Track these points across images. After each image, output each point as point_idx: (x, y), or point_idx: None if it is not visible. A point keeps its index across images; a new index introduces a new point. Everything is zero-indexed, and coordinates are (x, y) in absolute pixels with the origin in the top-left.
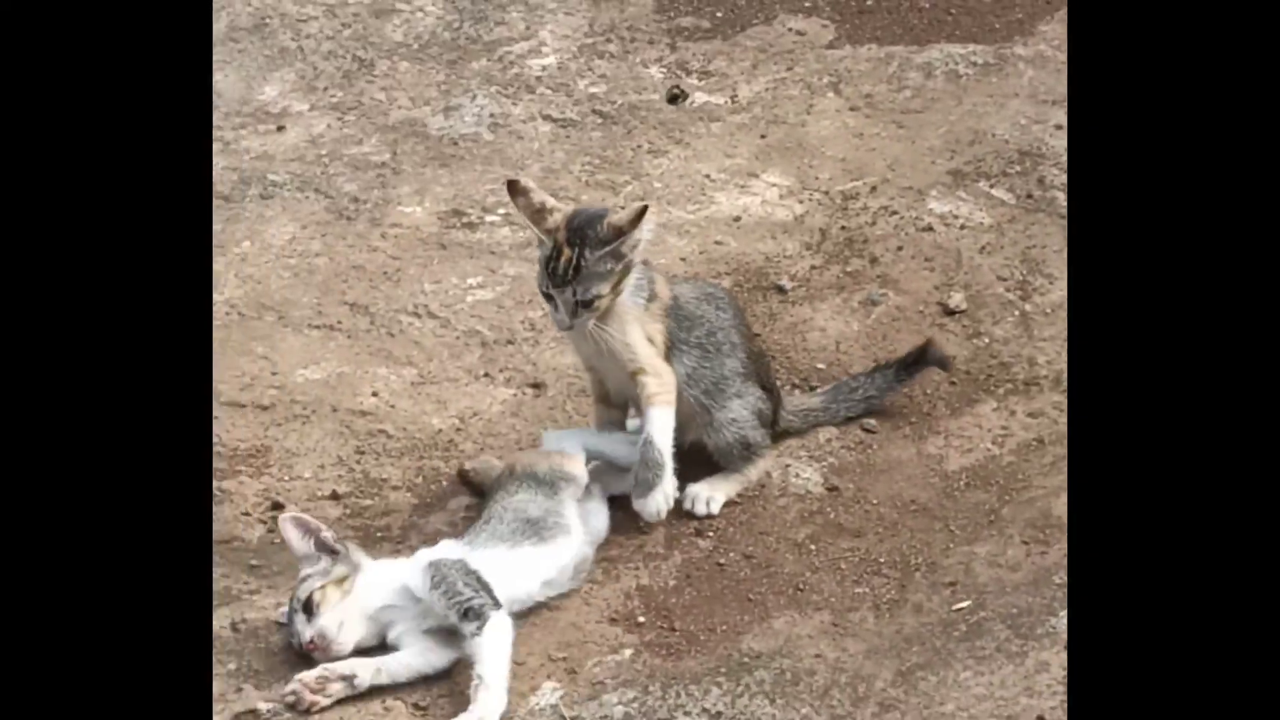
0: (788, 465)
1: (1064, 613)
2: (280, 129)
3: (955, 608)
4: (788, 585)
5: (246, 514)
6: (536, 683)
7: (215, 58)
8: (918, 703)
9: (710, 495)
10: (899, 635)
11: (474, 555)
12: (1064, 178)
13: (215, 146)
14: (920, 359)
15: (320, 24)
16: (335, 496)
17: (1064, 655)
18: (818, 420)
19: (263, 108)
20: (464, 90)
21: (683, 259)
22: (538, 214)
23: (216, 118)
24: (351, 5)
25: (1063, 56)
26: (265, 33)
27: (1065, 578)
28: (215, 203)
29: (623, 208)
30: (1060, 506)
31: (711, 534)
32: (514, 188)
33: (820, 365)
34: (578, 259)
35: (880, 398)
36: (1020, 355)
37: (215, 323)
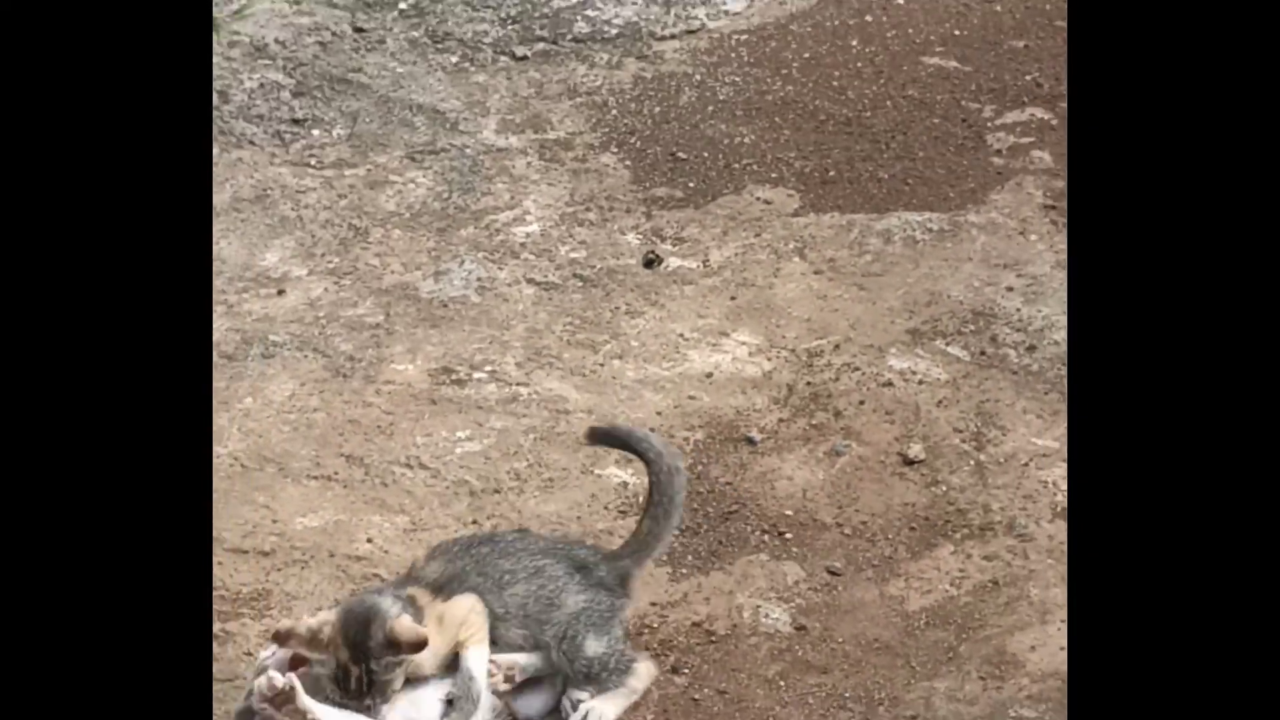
0: (758, 606)
1: None
2: (280, 292)
3: None
4: (759, 719)
5: (249, 654)
6: None
7: (219, 226)
8: None
9: (601, 712)
10: None
11: None
12: (1015, 336)
13: (219, 309)
14: None
15: (318, 195)
16: None
17: None
18: None
19: (264, 273)
20: (453, 256)
21: (658, 413)
22: (313, 642)
23: (220, 282)
24: (348, 177)
25: (1013, 224)
26: (266, 203)
27: (1020, 711)
28: (219, 361)
29: (402, 612)
30: (1015, 644)
31: (686, 671)
32: (279, 637)
33: (788, 512)
34: (367, 674)
35: None
36: (975, 502)
37: (219, 474)
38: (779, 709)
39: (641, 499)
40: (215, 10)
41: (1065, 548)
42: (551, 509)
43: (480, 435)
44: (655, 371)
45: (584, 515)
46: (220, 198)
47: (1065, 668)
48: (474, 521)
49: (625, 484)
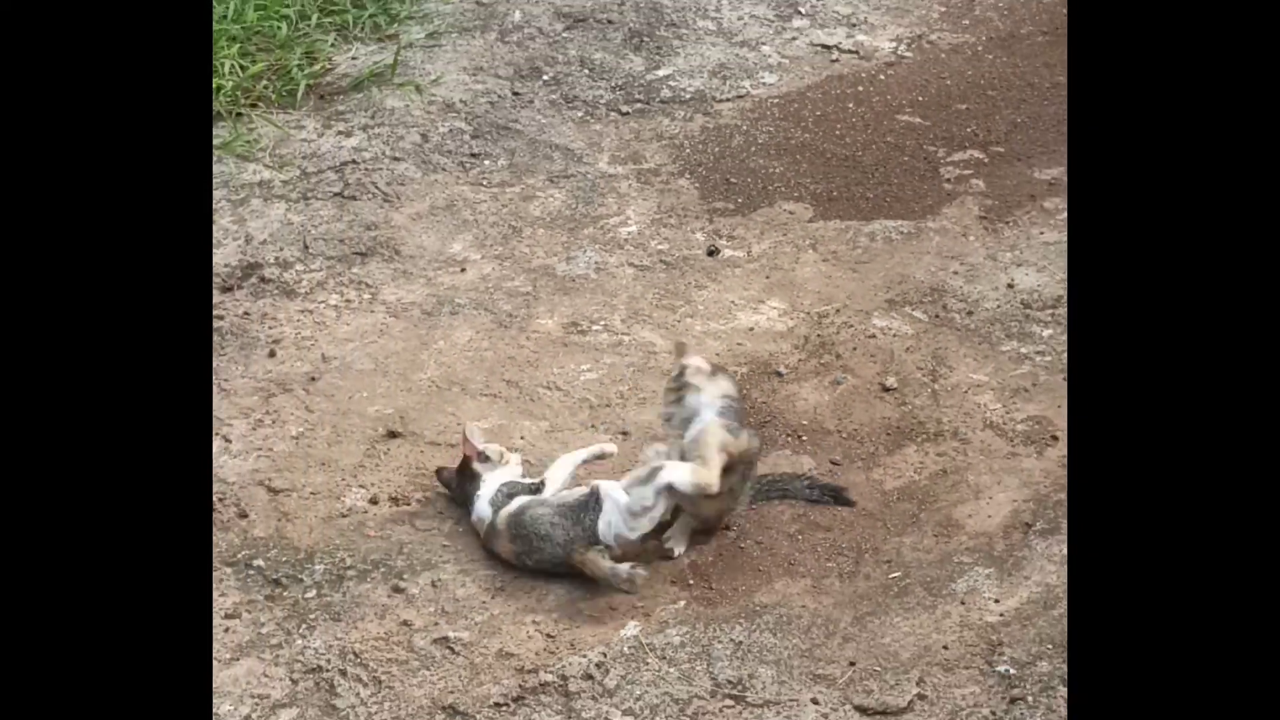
0: None
1: (962, 579)
2: (463, 270)
3: (890, 576)
4: (783, 561)
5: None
6: (622, 622)
7: (422, 226)
8: (867, 636)
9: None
10: (855, 594)
11: None
12: (959, 304)
13: (420, 281)
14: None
15: (487, 205)
16: None
17: (961, 607)
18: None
19: (452, 257)
20: (578, 247)
21: (716, 355)
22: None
23: (422, 263)
24: (508, 193)
25: (958, 229)
26: (453, 210)
27: (960, 558)
28: (421, 316)
29: None
30: (957, 513)
31: (734, 529)
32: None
33: (804, 422)
34: None
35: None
36: (931, 417)
37: (422, 391)
38: (796, 554)
39: None
40: (419, 78)
41: (992, 448)
42: (645, 418)
43: (597, 368)
44: (715, 326)
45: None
46: (420, 206)
47: (993, 528)
48: (592, 426)
49: None
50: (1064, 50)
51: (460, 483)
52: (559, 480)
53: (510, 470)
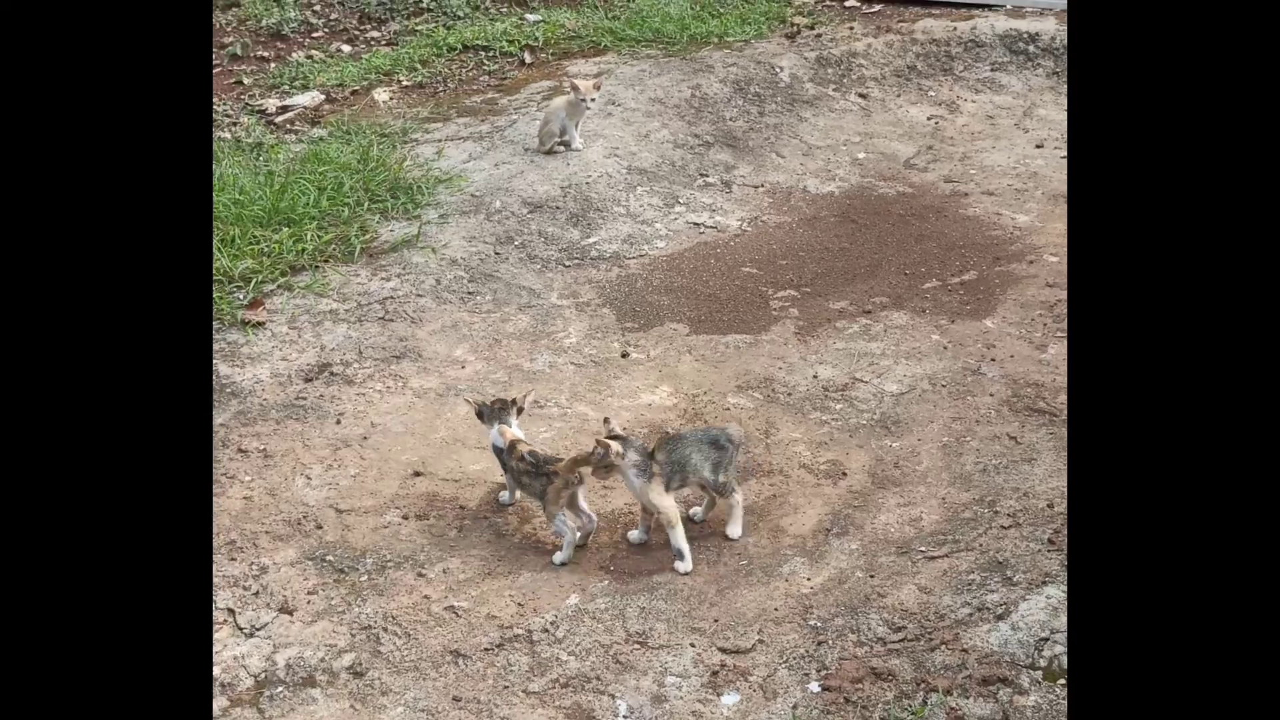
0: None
1: (786, 565)
2: (463, 367)
3: (740, 563)
4: (671, 554)
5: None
6: (568, 594)
7: (436, 338)
8: (725, 603)
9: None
10: (717, 575)
11: None
12: (782, 388)
13: (433, 376)
14: None
15: (478, 325)
16: None
17: (785, 584)
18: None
19: (455, 359)
20: (538, 352)
21: (624, 425)
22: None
23: (435, 363)
24: (491, 317)
25: (780, 340)
26: (456, 328)
27: (785, 553)
28: (436, 397)
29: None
30: (783, 523)
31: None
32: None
33: None
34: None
35: None
36: (765, 460)
37: (437, 445)
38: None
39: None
40: (434, 243)
41: (804, 480)
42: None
43: (550, 430)
44: (626, 403)
45: None
46: (435, 325)
47: (806, 532)
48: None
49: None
50: (848, 227)
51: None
52: None
53: None
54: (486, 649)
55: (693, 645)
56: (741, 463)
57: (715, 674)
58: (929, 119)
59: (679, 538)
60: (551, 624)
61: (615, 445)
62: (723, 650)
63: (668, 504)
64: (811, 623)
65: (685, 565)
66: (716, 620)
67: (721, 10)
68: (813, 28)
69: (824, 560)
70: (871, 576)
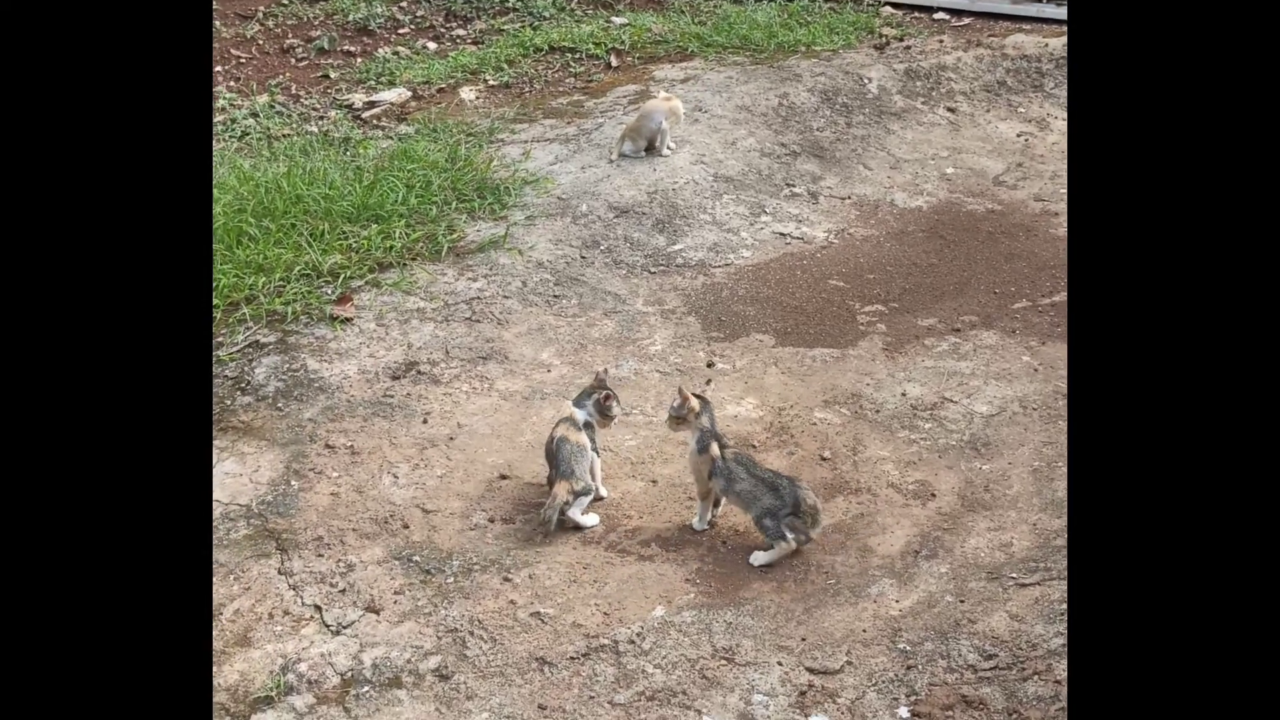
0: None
1: (874, 586)
2: (549, 371)
3: (828, 582)
4: (759, 570)
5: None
6: (654, 606)
7: (522, 341)
8: (813, 621)
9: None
10: (805, 593)
11: None
12: (870, 405)
13: (519, 379)
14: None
15: (564, 330)
16: None
17: (874, 604)
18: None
19: (541, 362)
20: (624, 358)
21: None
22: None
23: (521, 366)
24: (577, 322)
25: (868, 355)
26: (543, 331)
27: (873, 573)
28: (522, 400)
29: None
30: (871, 542)
31: (726, 547)
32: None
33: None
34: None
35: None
36: (853, 478)
37: (522, 448)
38: (768, 567)
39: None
40: (521, 245)
41: (893, 500)
42: (668, 472)
43: (636, 438)
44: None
45: (679, 478)
46: (521, 328)
47: (894, 553)
48: (632, 477)
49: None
50: (936, 242)
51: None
52: None
53: None
54: (572, 657)
55: (780, 664)
56: (827, 479)
57: (803, 694)
58: (1019, 135)
59: (701, 507)
60: (638, 635)
61: (694, 402)
62: (810, 670)
63: (703, 480)
64: (901, 646)
65: (696, 523)
66: (804, 639)
67: (809, 19)
68: (901, 39)
69: (913, 582)
70: (962, 601)
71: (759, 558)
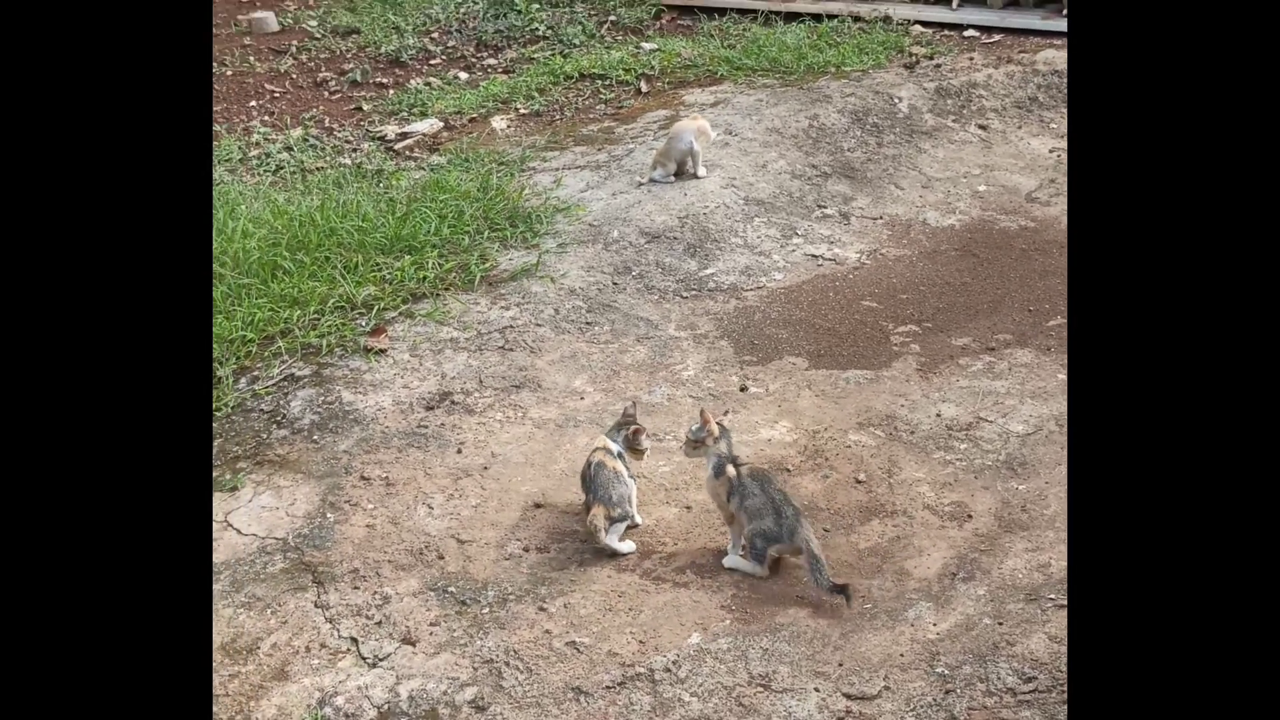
0: None
1: (911, 610)
2: (582, 398)
3: (864, 606)
4: (795, 595)
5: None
6: (689, 633)
7: (555, 368)
8: (849, 646)
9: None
10: (841, 618)
11: None
12: (904, 426)
13: (552, 407)
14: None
15: (597, 356)
16: None
17: (911, 628)
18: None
19: (574, 390)
20: (656, 384)
21: (746, 458)
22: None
23: (555, 394)
24: (609, 348)
25: (902, 377)
26: (575, 359)
27: (910, 597)
28: (555, 428)
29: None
30: (908, 565)
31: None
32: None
33: (805, 503)
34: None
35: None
36: (889, 501)
37: (556, 477)
38: (804, 591)
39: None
40: (553, 273)
41: (929, 522)
42: (702, 498)
43: (670, 464)
44: (745, 438)
45: (712, 503)
46: (554, 356)
47: (931, 576)
48: (666, 503)
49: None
50: (969, 261)
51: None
52: None
53: None
54: (608, 687)
55: (817, 690)
56: (862, 502)
57: None
58: (1051, 152)
59: (733, 534)
60: (673, 663)
61: (714, 425)
62: (848, 696)
63: (724, 504)
64: (939, 670)
65: (729, 558)
66: (841, 664)
67: (838, 40)
68: (931, 58)
69: (950, 605)
70: (1000, 624)
71: (732, 561)
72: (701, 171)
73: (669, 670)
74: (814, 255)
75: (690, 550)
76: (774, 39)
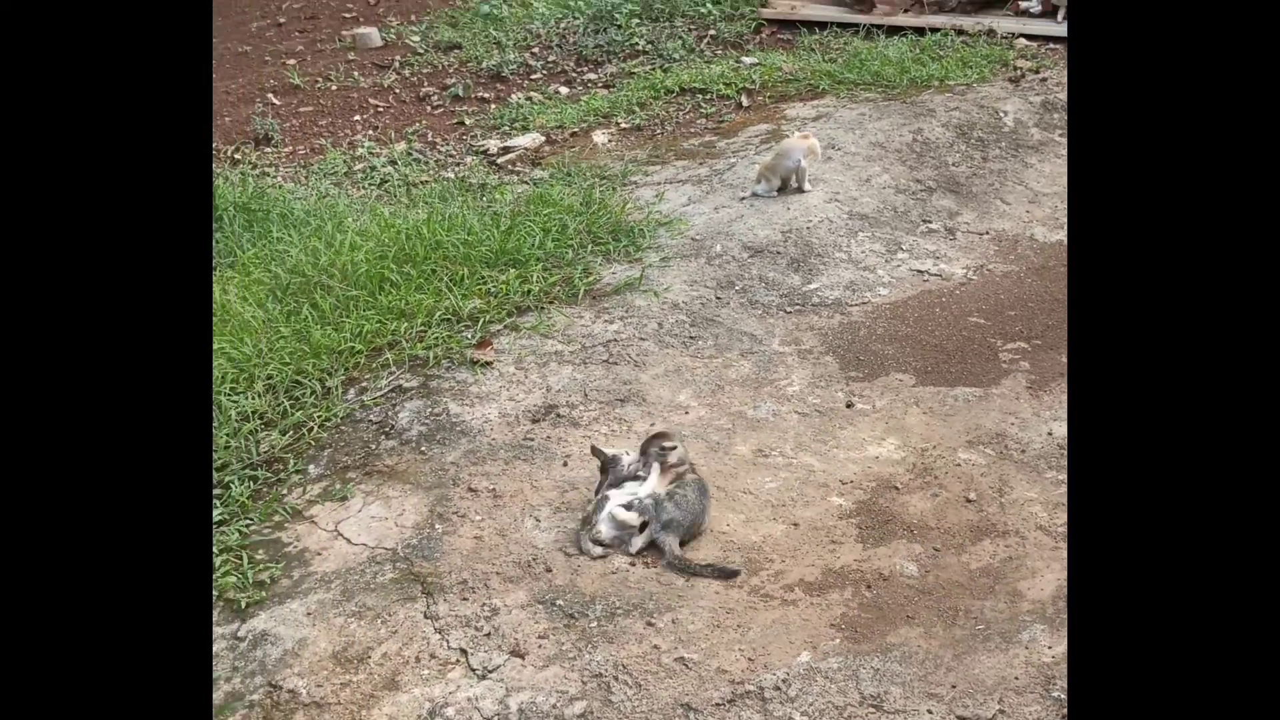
0: (899, 563)
1: (1025, 632)
2: (686, 413)
3: (977, 628)
4: (905, 615)
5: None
6: (799, 651)
7: (659, 383)
8: (963, 668)
9: (665, 542)
10: (954, 639)
11: None
12: (1015, 445)
13: (660, 419)
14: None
15: (700, 370)
16: None
17: (1026, 651)
18: None
19: (679, 405)
20: (761, 400)
21: (853, 475)
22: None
23: (660, 409)
24: (712, 363)
25: (1012, 394)
26: (679, 373)
27: (1023, 619)
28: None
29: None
30: (1021, 586)
31: (873, 590)
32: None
33: (915, 522)
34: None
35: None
36: (1001, 520)
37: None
38: (914, 611)
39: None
40: (656, 287)
41: (1042, 543)
42: (810, 515)
43: (775, 480)
44: (852, 455)
45: (821, 520)
46: (658, 370)
47: (1045, 597)
48: (772, 519)
49: (841, 506)
50: None
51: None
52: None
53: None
54: (718, 704)
55: (930, 712)
56: (972, 521)
57: None
58: None
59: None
60: (783, 682)
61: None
62: (961, 719)
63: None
64: (1055, 694)
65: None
66: (954, 686)
67: (941, 54)
68: (1037, 71)
69: (1065, 628)
70: None
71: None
72: (808, 187)
73: (779, 689)
74: (919, 271)
75: (798, 568)
76: (876, 53)
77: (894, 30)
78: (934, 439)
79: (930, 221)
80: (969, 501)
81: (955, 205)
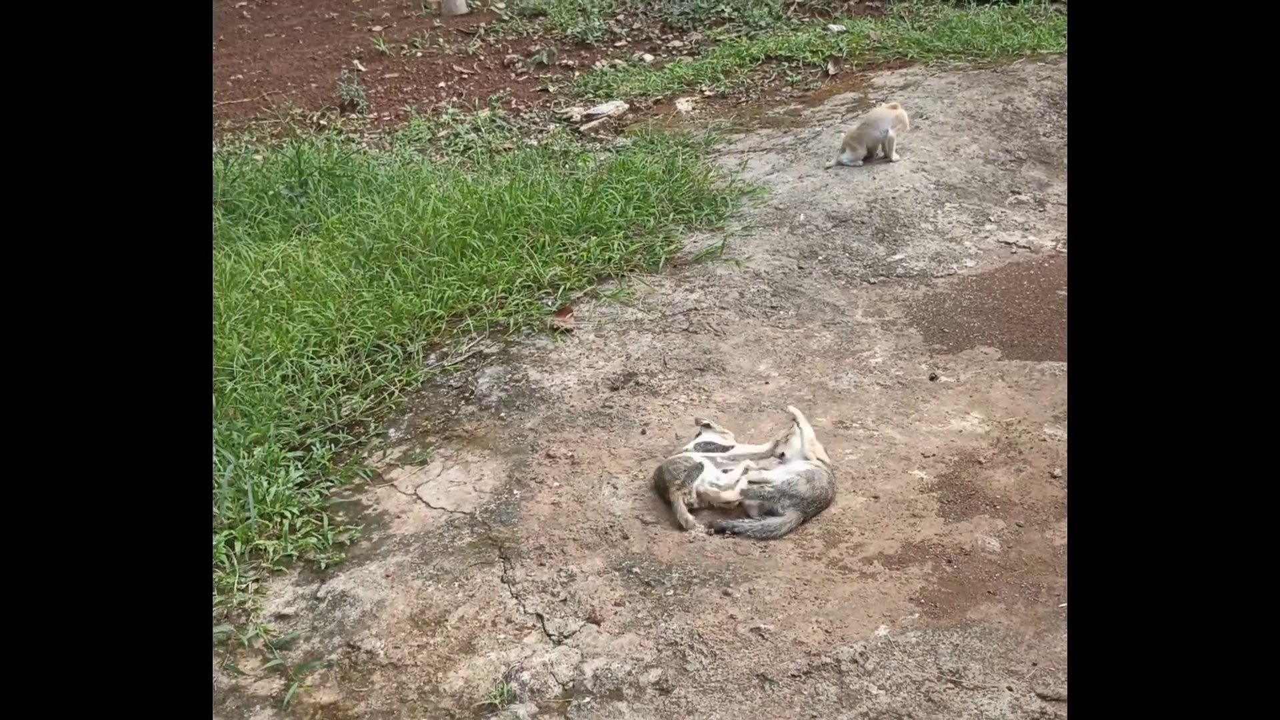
0: (980, 538)
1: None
2: (766, 383)
3: (1059, 605)
4: (986, 591)
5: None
6: (877, 625)
7: (740, 352)
8: (1044, 645)
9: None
10: (1035, 615)
11: None
12: None
13: (737, 391)
14: None
15: (782, 340)
16: None
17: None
18: None
19: (759, 374)
20: (843, 371)
21: (935, 449)
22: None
23: (739, 378)
24: (794, 333)
25: None
26: (759, 343)
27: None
28: (740, 412)
29: None
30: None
31: (953, 565)
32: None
33: (998, 497)
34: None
35: None
36: None
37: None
38: (995, 587)
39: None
40: (738, 256)
41: None
42: (891, 488)
43: (856, 452)
44: (935, 428)
45: (901, 494)
46: (738, 339)
47: None
48: (853, 492)
49: (922, 479)
50: None
51: None
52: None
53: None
54: (794, 675)
55: (1010, 689)
56: (1057, 498)
57: None
58: None
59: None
60: (860, 654)
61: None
62: (1043, 697)
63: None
64: None
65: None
66: (1035, 664)
67: (1034, 22)
68: None
69: None
70: None
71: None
72: (895, 156)
73: (856, 662)
74: (1007, 243)
75: (878, 540)
76: (966, 20)
77: None
78: (1019, 413)
79: (1019, 192)
80: (1054, 477)
81: (1046, 176)
